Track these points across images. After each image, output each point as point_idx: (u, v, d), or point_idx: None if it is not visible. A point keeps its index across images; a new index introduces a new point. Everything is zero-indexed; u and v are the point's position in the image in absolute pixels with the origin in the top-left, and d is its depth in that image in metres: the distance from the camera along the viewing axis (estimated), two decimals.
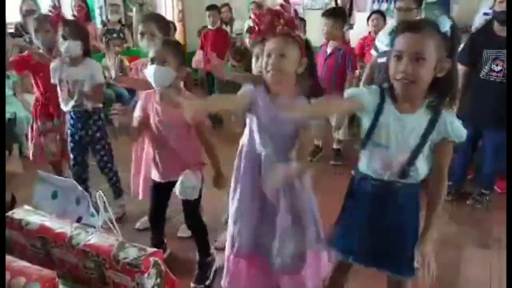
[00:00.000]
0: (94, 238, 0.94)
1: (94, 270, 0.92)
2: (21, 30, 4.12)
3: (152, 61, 1.75)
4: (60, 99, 2.44)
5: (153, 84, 1.78)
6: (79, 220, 1.14)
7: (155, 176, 1.98)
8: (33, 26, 2.55)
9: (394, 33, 1.30)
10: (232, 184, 1.73)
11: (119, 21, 4.60)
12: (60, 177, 1.21)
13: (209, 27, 4.71)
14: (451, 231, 2.49)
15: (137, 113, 1.86)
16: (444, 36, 1.22)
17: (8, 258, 0.85)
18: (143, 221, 2.45)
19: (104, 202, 1.11)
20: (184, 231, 2.38)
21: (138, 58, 3.17)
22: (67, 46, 2.27)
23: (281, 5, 1.56)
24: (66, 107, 2.43)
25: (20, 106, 3.69)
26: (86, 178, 2.59)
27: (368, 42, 4.27)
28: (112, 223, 1.12)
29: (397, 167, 1.32)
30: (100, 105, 2.51)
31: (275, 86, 1.52)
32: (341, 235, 1.49)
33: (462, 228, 2.54)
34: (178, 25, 6.37)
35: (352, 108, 1.42)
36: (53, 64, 2.39)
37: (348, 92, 1.41)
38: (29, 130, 2.76)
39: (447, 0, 4.96)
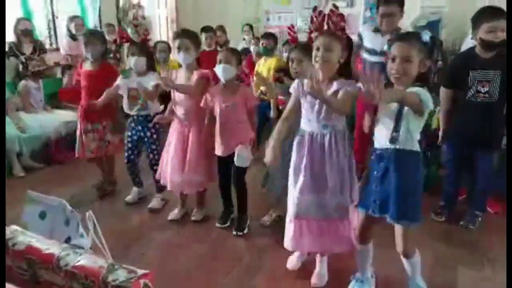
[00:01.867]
0: (83, 260, 0.91)
1: None
2: (15, 50, 4.14)
3: (220, 61, 2.45)
4: (124, 105, 2.92)
5: (221, 78, 2.48)
6: (68, 240, 1.12)
7: (219, 152, 2.58)
8: (83, 40, 3.03)
9: (390, 42, 1.78)
10: (291, 164, 2.09)
11: (115, 41, 4.65)
12: (50, 197, 1.19)
13: (205, 48, 4.75)
14: (444, 252, 2.48)
15: (203, 104, 2.57)
16: (425, 44, 1.71)
17: None
18: (175, 213, 2.88)
19: (94, 223, 1.09)
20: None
21: None
22: (135, 61, 2.77)
23: (331, 10, 2.01)
24: (131, 111, 2.90)
25: (12, 125, 3.67)
26: (137, 173, 3.09)
27: (357, 63, 4.34)
28: (102, 244, 1.10)
29: (388, 135, 1.75)
30: (160, 110, 2.96)
31: (323, 73, 1.91)
32: (362, 194, 1.93)
33: (455, 249, 2.52)
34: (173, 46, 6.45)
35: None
36: (124, 72, 2.89)
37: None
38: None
39: (436, 24, 5.12)
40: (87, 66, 3.07)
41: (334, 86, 1.90)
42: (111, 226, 2.70)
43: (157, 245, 2.58)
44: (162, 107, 3.07)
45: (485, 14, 2.46)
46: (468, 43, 3.97)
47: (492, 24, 2.39)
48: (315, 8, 2.21)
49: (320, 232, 2.03)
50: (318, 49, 1.89)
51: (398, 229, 1.83)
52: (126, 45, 3.74)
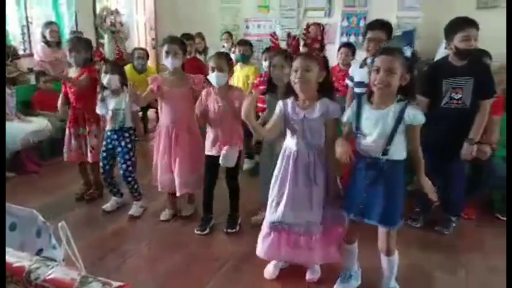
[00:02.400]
0: (54, 273, 0.88)
1: None
2: None
3: (213, 69, 2.54)
4: (107, 122, 2.97)
5: (215, 85, 2.59)
6: (39, 252, 1.08)
7: (209, 151, 2.69)
8: (67, 46, 3.09)
9: (374, 56, 1.88)
10: (275, 173, 2.16)
11: None
12: (20, 207, 1.15)
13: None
14: (420, 257, 2.52)
15: (199, 106, 2.67)
16: (407, 59, 1.82)
17: None
18: (165, 214, 2.99)
19: (67, 233, 1.06)
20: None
21: None
22: (108, 79, 2.83)
23: (304, 34, 2.20)
24: (110, 127, 2.96)
25: None
26: (114, 183, 3.11)
27: (335, 72, 4.40)
28: (75, 255, 1.06)
29: (379, 147, 1.85)
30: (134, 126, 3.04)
31: (302, 94, 2.00)
32: (348, 199, 2.02)
33: (430, 254, 2.57)
34: (151, 53, 6.39)
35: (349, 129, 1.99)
36: (100, 96, 2.93)
37: (344, 118, 1.99)
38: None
39: (410, 34, 5.27)
40: (72, 73, 3.13)
41: (317, 108, 1.99)
42: (86, 236, 2.65)
43: (133, 255, 2.52)
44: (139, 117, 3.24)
45: (458, 24, 2.56)
46: (441, 52, 4.10)
47: (466, 33, 2.50)
48: (289, 34, 2.38)
49: (296, 244, 2.12)
50: (296, 71, 1.97)
51: (383, 230, 1.96)
52: None
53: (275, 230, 2.14)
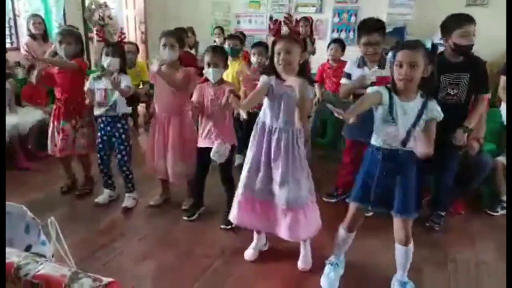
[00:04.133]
0: (44, 269, 0.87)
1: None
2: None
3: (209, 65, 2.60)
4: (95, 104, 2.94)
5: (211, 80, 2.64)
6: (28, 248, 1.06)
7: (202, 144, 2.75)
8: (57, 38, 3.02)
9: (395, 49, 1.90)
10: (249, 146, 2.26)
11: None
12: (9, 203, 1.13)
13: None
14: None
15: (195, 99, 2.71)
16: (428, 50, 1.85)
17: None
18: (156, 199, 3.11)
19: (57, 229, 1.04)
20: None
21: None
22: (109, 61, 2.82)
23: (285, 17, 2.15)
24: (99, 111, 2.93)
25: None
26: (111, 174, 3.12)
27: (326, 68, 4.42)
28: (64, 251, 1.05)
29: (400, 138, 1.89)
30: (128, 112, 3.06)
31: (286, 74, 2.07)
32: (359, 189, 2.04)
33: (418, 248, 2.58)
34: (141, 46, 6.33)
35: (376, 99, 1.91)
36: (94, 74, 2.94)
37: (370, 88, 1.97)
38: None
39: (401, 30, 5.31)
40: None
41: (298, 88, 2.05)
42: (76, 232, 2.62)
43: (125, 251, 2.50)
44: (130, 108, 3.20)
45: (457, 21, 2.56)
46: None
47: (464, 29, 2.51)
48: (271, 18, 2.28)
49: (265, 214, 2.25)
50: (279, 53, 2.06)
51: (400, 221, 2.00)
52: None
53: (246, 198, 2.26)
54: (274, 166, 2.18)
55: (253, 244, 2.46)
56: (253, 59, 3.46)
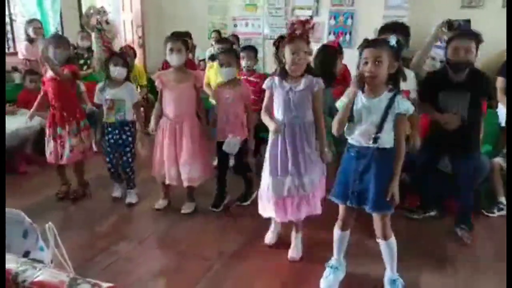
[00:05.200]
0: (42, 275, 0.87)
1: None
2: None
3: (222, 65, 2.87)
4: (104, 112, 3.05)
5: (225, 79, 2.93)
6: (26, 254, 1.06)
7: (219, 139, 2.95)
8: (52, 43, 3.03)
9: (361, 48, 1.97)
10: (268, 146, 2.39)
11: (88, 48, 4.82)
12: (7, 208, 1.12)
13: None
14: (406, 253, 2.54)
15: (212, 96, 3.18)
16: (392, 47, 1.90)
17: None
18: (160, 203, 3.12)
19: (55, 234, 1.04)
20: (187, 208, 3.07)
21: (95, 83, 3.33)
22: (118, 72, 2.95)
23: (305, 20, 2.26)
24: (109, 119, 3.04)
25: None
26: (120, 175, 3.23)
27: None
28: (63, 257, 1.05)
29: (371, 135, 1.93)
30: (135, 118, 3.14)
31: (297, 72, 2.24)
32: (337, 186, 2.11)
33: (419, 250, 2.59)
34: (139, 51, 6.32)
35: (353, 96, 1.98)
36: (99, 86, 3.04)
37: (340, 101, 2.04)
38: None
39: None
40: (51, 72, 3.03)
41: (303, 82, 2.24)
42: (74, 236, 2.62)
43: (124, 254, 2.49)
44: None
45: (452, 36, 2.54)
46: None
47: (455, 44, 2.47)
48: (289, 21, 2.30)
49: (298, 206, 2.35)
50: (294, 53, 2.17)
51: (377, 217, 2.04)
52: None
53: (279, 200, 2.36)
54: (290, 160, 2.29)
55: (271, 228, 2.60)
56: (242, 62, 3.45)
